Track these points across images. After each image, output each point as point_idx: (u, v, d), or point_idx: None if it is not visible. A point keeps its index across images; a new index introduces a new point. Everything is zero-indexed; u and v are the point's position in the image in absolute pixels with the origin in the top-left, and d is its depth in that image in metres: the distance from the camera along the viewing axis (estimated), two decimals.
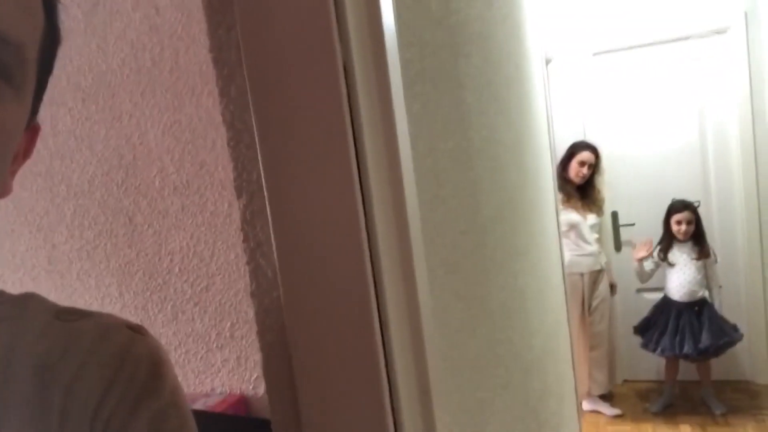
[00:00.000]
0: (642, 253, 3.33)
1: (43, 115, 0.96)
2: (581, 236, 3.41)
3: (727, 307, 3.49)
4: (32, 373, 0.43)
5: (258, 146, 0.45)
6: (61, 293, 1.01)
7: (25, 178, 0.98)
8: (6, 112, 0.39)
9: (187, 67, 0.79)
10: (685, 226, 3.22)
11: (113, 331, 0.48)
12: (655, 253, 3.34)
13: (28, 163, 0.97)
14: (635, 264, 3.37)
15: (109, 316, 0.51)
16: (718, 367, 3.52)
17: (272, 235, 0.46)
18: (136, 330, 0.50)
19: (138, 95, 0.85)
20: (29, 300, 0.49)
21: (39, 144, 0.96)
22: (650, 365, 3.70)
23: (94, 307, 1.11)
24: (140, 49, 0.83)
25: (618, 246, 3.75)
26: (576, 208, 3.40)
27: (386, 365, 0.47)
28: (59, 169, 0.95)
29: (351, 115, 0.43)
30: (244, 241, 0.49)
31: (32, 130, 0.48)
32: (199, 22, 0.76)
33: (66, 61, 0.90)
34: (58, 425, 0.42)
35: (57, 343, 0.45)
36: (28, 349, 0.44)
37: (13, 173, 0.47)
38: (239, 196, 0.49)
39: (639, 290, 3.73)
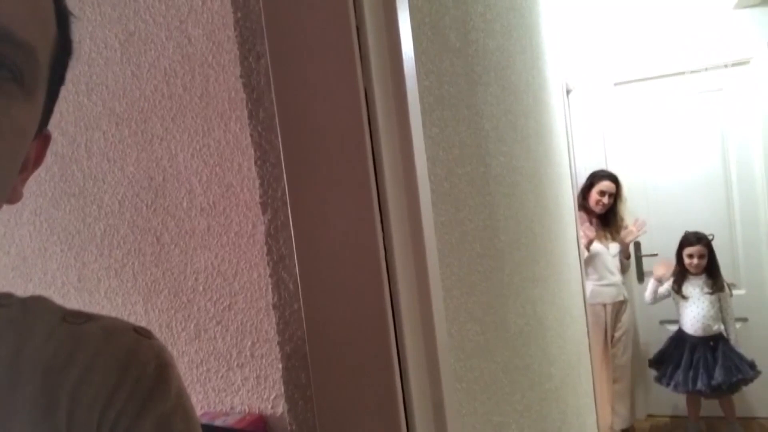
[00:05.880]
0: (662, 270, 3.28)
1: (79, 139, 1.00)
2: (604, 266, 3.38)
3: (755, 340, 3.41)
4: (39, 375, 0.43)
5: (283, 165, 0.47)
6: (89, 310, 1.04)
7: (59, 198, 1.02)
8: (16, 112, 0.40)
9: (217, 93, 0.82)
10: (697, 259, 3.17)
11: (119, 333, 0.48)
12: (668, 284, 3.29)
13: (62, 184, 1.01)
14: (652, 281, 3.32)
15: (115, 319, 0.51)
16: (745, 404, 3.42)
17: (294, 250, 0.48)
18: (143, 333, 0.50)
19: (169, 120, 0.89)
20: (37, 302, 0.49)
21: (73, 166, 1.00)
22: (674, 400, 3.61)
23: None
24: (172, 76, 0.87)
25: (641, 276, 3.71)
26: (598, 238, 3.37)
27: (401, 377, 0.49)
28: (92, 190, 0.99)
29: (371, 136, 0.46)
30: (267, 254, 0.51)
31: (43, 138, 0.49)
32: (229, 52, 0.80)
33: (102, 88, 0.94)
34: (65, 427, 0.42)
35: (64, 346, 0.45)
36: (36, 351, 0.44)
37: (24, 180, 0.47)
38: (264, 212, 0.51)
39: (662, 322, 3.67)
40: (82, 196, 0.99)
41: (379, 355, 0.49)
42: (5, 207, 0.44)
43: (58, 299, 1.07)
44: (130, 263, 0.96)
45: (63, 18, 0.46)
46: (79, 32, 0.92)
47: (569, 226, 2.55)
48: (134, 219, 0.95)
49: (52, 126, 1.00)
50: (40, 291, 1.07)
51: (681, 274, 3.25)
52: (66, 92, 0.96)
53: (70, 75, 0.98)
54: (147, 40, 0.89)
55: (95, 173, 0.97)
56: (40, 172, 1.01)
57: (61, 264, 1.04)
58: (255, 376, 0.87)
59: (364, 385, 0.49)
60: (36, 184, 1.01)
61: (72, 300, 1.04)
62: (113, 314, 1.01)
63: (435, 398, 0.56)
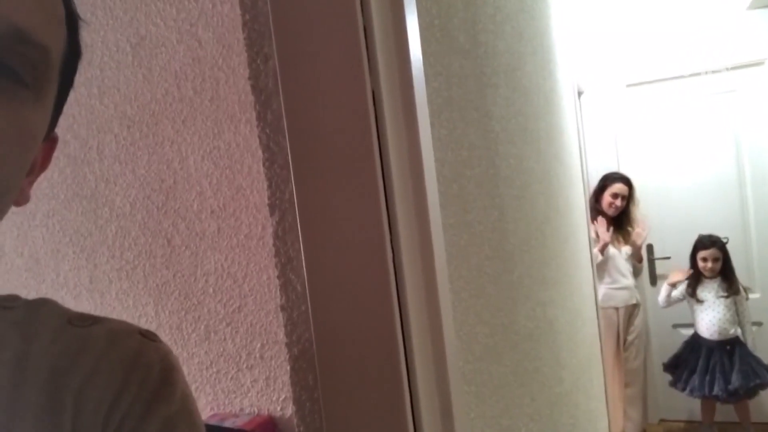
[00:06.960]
0: (678, 277, 3.25)
1: (91, 141, 1.01)
2: (616, 269, 3.35)
3: None
4: (45, 377, 0.43)
5: (291, 167, 0.47)
6: (100, 312, 1.05)
7: (71, 200, 1.03)
8: (27, 115, 0.40)
9: (227, 96, 0.82)
10: (711, 263, 3.14)
11: (125, 336, 0.49)
12: (682, 287, 3.26)
13: (74, 186, 1.02)
14: (665, 286, 3.29)
15: (121, 322, 0.51)
16: (760, 408, 3.38)
17: (302, 252, 0.48)
18: (148, 336, 0.50)
19: (180, 123, 0.89)
20: (43, 305, 0.49)
21: (85, 168, 1.01)
22: (688, 404, 3.58)
23: None
24: (183, 80, 0.88)
25: (653, 280, 3.68)
26: (611, 241, 3.35)
27: (408, 379, 0.49)
28: (103, 192, 1.00)
29: (378, 138, 0.46)
30: (275, 256, 0.51)
31: (50, 141, 0.49)
32: (239, 55, 0.80)
33: (114, 91, 0.95)
34: (70, 430, 0.42)
35: (69, 348, 0.45)
36: (41, 353, 0.44)
37: (31, 183, 0.47)
38: (272, 214, 0.51)
39: (675, 326, 3.64)
40: (94, 198, 1.00)
41: (387, 356, 0.49)
42: (18, 210, 0.44)
43: (70, 300, 1.08)
44: (141, 265, 0.97)
45: (72, 21, 0.46)
46: (91, 36, 0.93)
47: (581, 228, 2.54)
48: (145, 221, 0.95)
49: (65, 129, 1.02)
50: (52, 292, 1.08)
51: (695, 277, 3.22)
52: (78, 95, 0.97)
53: (82, 78, 0.99)
54: (158, 43, 0.89)
55: (107, 176, 0.98)
56: (52, 175, 1.02)
57: (73, 265, 1.05)
58: (264, 377, 0.87)
59: (371, 387, 0.49)
60: (49, 187, 1.02)
61: (84, 301, 1.05)
62: (124, 316, 1.01)
63: (443, 401, 0.56)
